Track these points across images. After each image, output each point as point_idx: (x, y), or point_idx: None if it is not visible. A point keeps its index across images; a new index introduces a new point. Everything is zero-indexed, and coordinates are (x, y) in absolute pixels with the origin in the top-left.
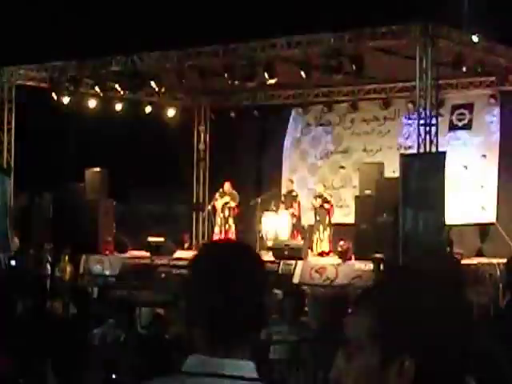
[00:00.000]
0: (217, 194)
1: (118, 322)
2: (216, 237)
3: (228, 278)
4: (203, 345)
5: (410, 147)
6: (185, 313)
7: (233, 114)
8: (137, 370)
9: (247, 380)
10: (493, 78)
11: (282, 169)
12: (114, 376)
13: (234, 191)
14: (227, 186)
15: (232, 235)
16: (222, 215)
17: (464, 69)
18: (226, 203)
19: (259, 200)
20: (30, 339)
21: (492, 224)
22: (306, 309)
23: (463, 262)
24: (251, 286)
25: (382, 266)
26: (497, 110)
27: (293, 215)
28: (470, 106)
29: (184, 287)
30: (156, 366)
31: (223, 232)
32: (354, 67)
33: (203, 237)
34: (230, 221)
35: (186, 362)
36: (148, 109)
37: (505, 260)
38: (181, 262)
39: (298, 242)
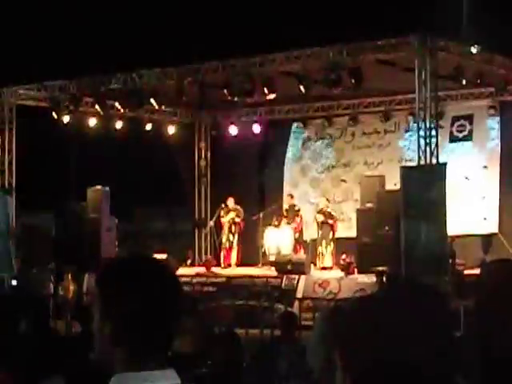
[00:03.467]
0: (221, 211)
1: None
2: (223, 253)
3: (140, 293)
4: (125, 363)
5: (410, 159)
6: (108, 335)
7: (233, 130)
8: None
9: None
10: (492, 89)
11: (283, 183)
12: None
13: (238, 207)
14: (231, 201)
15: (239, 251)
16: (227, 231)
17: (463, 80)
18: (232, 219)
19: (261, 215)
20: (33, 357)
21: (495, 234)
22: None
23: (466, 272)
24: (168, 299)
25: (384, 279)
26: (497, 121)
27: (295, 230)
28: (469, 117)
29: (97, 308)
30: None
31: (231, 248)
32: (353, 80)
33: (206, 253)
34: (237, 236)
35: (111, 382)
36: (148, 126)
37: None
38: (184, 279)
39: (301, 256)
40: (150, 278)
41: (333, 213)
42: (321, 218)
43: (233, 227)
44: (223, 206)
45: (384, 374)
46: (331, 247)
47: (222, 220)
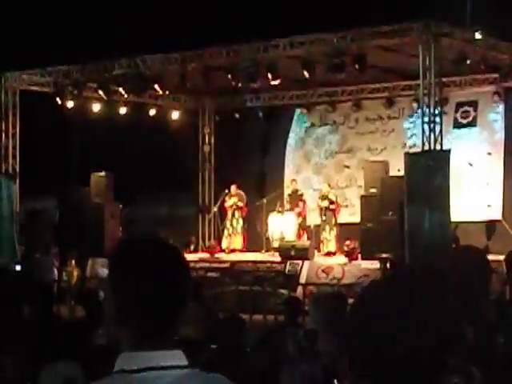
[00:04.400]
0: (225, 197)
1: None
2: (227, 239)
3: (150, 272)
4: (131, 342)
5: (414, 145)
6: (113, 314)
7: (237, 115)
8: None
9: (181, 368)
10: (496, 75)
11: (286, 169)
12: None
13: (240, 191)
14: (234, 188)
15: (242, 236)
16: (231, 216)
17: (467, 66)
18: (235, 203)
19: (265, 201)
20: (37, 342)
21: (498, 221)
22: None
23: None
24: (173, 278)
25: (388, 265)
26: (501, 107)
27: (299, 214)
28: (474, 104)
29: (107, 288)
30: None
31: (235, 234)
32: (357, 66)
33: (209, 238)
34: (240, 221)
35: (117, 361)
36: (152, 112)
37: None
38: None
39: (305, 242)
40: (159, 259)
41: (334, 198)
42: (323, 203)
43: (236, 212)
44: (227, 192)
45: (389, 363)
46: (334, 232)
47: (226, 205)
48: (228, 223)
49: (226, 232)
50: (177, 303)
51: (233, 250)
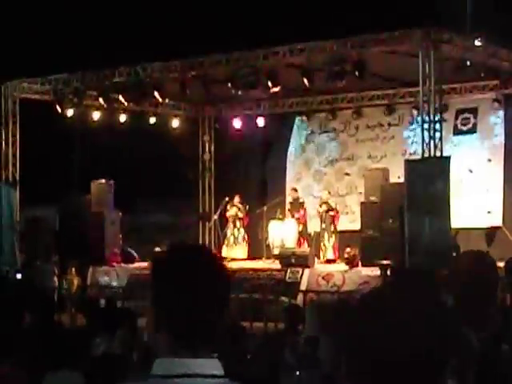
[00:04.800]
0: (227, 205)
1: (124, 332)
2: (227, 248)
3: (188, 282)
4: (169, 348)
5: (414, 152)
6: (152, 320)
7: (237, 123)
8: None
9: (217, 377)
10: (496, 82)
11: (286, 177)
12: None
13: (240, 202)
14: (237, 198)
15: (245, 246)
16: (232, 226)
17: (467, 73)
18: (236, 213)
19: (265, 208)
20: (38, 350)
21: (498, 228)
22: None
23: None
24: (212, 288)
25: (388, 272)
26: (501, 114)
27: (299, 222)
28: (474, 110)
29: (150, 294)
30: None
31: (236, 243)
32: (357, 73)
33: (210, 246)
34: (242, 231)
35: (154, 366)
36: (152, 120)
37: None
38: None
39: (305, 249)
40: (201, 269)
41: (333, 205)
42: (322, 210)
43: (237, 222)
44: (227, 199)
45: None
46: (334, 239)
47: (227, 214)
48: (229, 232)
49: (226, 241)
50: (216, 312)
51: (234, 259)
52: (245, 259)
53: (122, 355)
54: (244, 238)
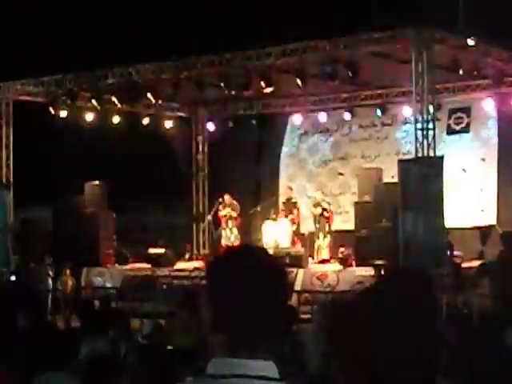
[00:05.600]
0: (220, 206)
1: (118, 333)
2: (221, 248)
3: (247, 283)
4: (224, 349)
5: (408, 152)
6: (209, 320)
7: (230, 124)
8: (138, 380)
9: (272, 380)
10: (489, 81)
11: (280, 177)
12: None
13: (234, 202)
14: (227, 197)
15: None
16: (225, 226)
17: (460, 72)
18: (229, 213)
19: (259, 209)
20: (31, 351)
21: (492, 226)
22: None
23: (464, 264)
24: (271, 289)
25: (382, 271)
26: (494, 113)
27: (293, 222)
28: (467, 110)
29: (205, 295)
30: (158, 377)
31: (229, 243)
32: (349, 73)
33: (204, 247)
34: (235, 231)
35: (209, 365)
36: (146, 121)
37: None
38: (181, 273)
39: (299, 249)
40: (258, 271)
41: (328, 205)
42: (316, 210)
43: (229, 222)
44: (220, 200)
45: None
46: (328, 239)
47: (220, 214)
48: (223, 233)
49: (223, 241)
50: (271, 315)
51: None
52: None
53: (111, 356)
54: (237, 238)
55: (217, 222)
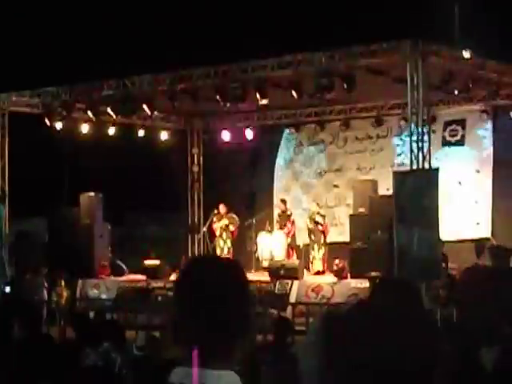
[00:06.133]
0: (214, 217)
1: (112, 344)
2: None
3: (201, 294)
4: (184, 358)
5: (403, 164)
6: (172, 331)
7: (225, 136)
8: None
9: None
10: (484, 93)
11: (274, 189)
12: None
13: (233, 215)
14: (222, 207)
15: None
16: (219, 238)
17: (455, 84)
18: (226, 226)
19: (254, 221)
20: (26, 362)
21: (487, 239)
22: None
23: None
24: (227, 298)
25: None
26: (489, 125)
27: (287, 234)
28: (462, 122)
29: (170, 307)
30: None
31: (222, 255)
32: (345, 86)
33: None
34: (228, 242)
35: (171, 375)
36: (141, 132)
37: None
38: None
39: (294, 261)
40: (216, 279)
41: (323, 217)
42: (311, 222)
43: (224, 234)
44: (216, 211)
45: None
46: (323, 251)
47: (214, 226)
48: (217, 244)
49: (218, 251)
50: (229, 325)
51: None
52: None
53: (105, 367)
54: (229, 250)
55: (211, 234)
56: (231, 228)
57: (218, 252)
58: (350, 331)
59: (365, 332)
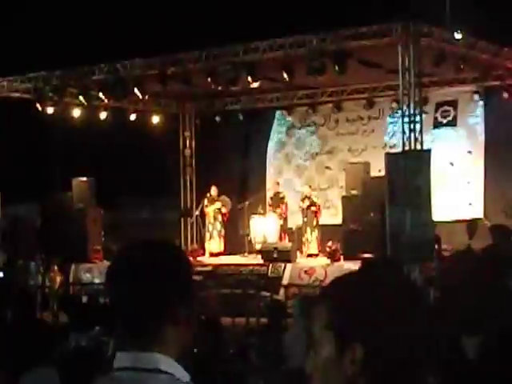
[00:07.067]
0: (205, 200)
1: (105, 328)
2: (208, 243)
3: (135, 278)
4: (120, 342)
5: (395, 146)
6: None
7: (218, 119)
8: None
9: (163, 373)
10: (476, 74)
11: (267, 172)
12: None
13: (225, 197)
14: (214, 190)
15: (223, 240)
16: (212, 221)
17: (447, 66)
18: (218, 209)
19: (247, 203)
20: (20, 346)
21: (479, 220)
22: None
23: None
24: (157, 284)
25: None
26: (481, 106)
27: (280, 216)
28: (454, 103)
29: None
30: None
31: (214, 238)
32: (337, 68)
33: (192, 242)
34: (218, 225)
35: (115, 360)
36: (133, 116)
37: None
38: None
39: (287, 244)
40: (143, 261)
41: (315, 199)
42: (304, 205)
43: (217, 217)
44: (208, 195)
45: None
46: (316, 233)
47: (206, 209)
48: (210, 227)
49: (208, 236)
50: (159, 305)
51: (214, 254)
52: (219, 253)
53: (93, 349)
54: (220, 233)
55: (204, 218)
56: (223, 210)
57: (208, 236)
58: (335, 308)
59: (349, 309)
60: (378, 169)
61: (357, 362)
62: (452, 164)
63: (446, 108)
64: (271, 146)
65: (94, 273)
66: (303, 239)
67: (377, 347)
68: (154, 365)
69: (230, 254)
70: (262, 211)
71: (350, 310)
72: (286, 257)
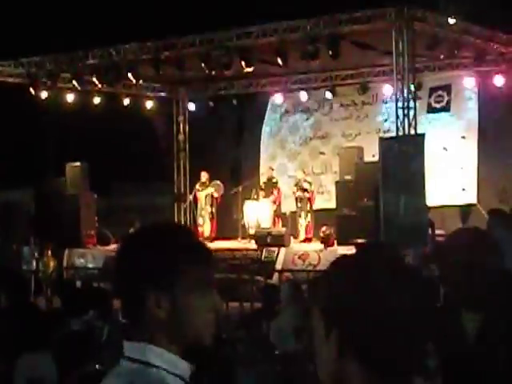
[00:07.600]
0: (197, 185)
1: (98, 313)
2: (200, 228)
3: (127, 268)
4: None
5: (388, 130)
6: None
7: (211, 104)
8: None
9: (135, 362)
10: (470, 59)
11: (260, 157)
12: (97, 367)
13: (218, 181)
14: (204, 175)
15: (214, 224)
16: (204, 206)
17: (441, 51)
18: (211, 194)
19: (240, 188)
20: (14, 331)
21: (473, 205)
22: None
23: None
24: (130, 266)
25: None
26: (474, 91)
27: (274, 202)
28: (447, 88)
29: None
30: None
31: (206, 222)
32: (330, 53)
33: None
34: (210, 210)
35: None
36: (126, 101)
37: None
38: None
39: (281, 229)
40: (130, 244)
41: (309, 185)
42: (298, 190)
43: (209, 201)
44: (202, 180)
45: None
46: (309, 218)
47: (198, 195)
48: (202, 211)
49: (201, 220)
50: (136, 289)
51: (206, 238)
52: (209, 238)
53: (87, 333)
54: (212, 217)
55: (196, 203)
56: (215, 195)
57: (200, 220)
58: (331, 291)
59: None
60: (372, 154)
61: (337, 345)
62: (446, 149)
63: (440, 93)
64: (265, 130)
65: (87, 258)
66: (297, 224)
67: (361, 332)
68: (145, 357)
69: (223, 239)
70: (255, 196)
71: (338, 294)
72: (280, 241)
